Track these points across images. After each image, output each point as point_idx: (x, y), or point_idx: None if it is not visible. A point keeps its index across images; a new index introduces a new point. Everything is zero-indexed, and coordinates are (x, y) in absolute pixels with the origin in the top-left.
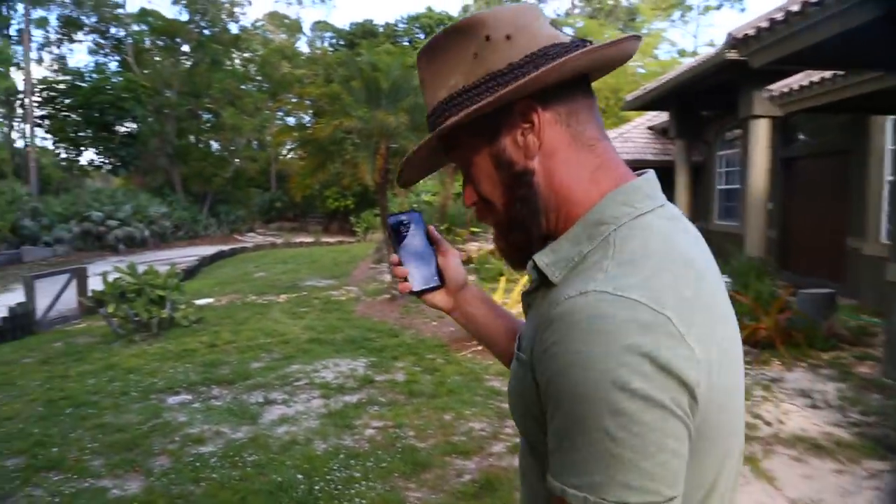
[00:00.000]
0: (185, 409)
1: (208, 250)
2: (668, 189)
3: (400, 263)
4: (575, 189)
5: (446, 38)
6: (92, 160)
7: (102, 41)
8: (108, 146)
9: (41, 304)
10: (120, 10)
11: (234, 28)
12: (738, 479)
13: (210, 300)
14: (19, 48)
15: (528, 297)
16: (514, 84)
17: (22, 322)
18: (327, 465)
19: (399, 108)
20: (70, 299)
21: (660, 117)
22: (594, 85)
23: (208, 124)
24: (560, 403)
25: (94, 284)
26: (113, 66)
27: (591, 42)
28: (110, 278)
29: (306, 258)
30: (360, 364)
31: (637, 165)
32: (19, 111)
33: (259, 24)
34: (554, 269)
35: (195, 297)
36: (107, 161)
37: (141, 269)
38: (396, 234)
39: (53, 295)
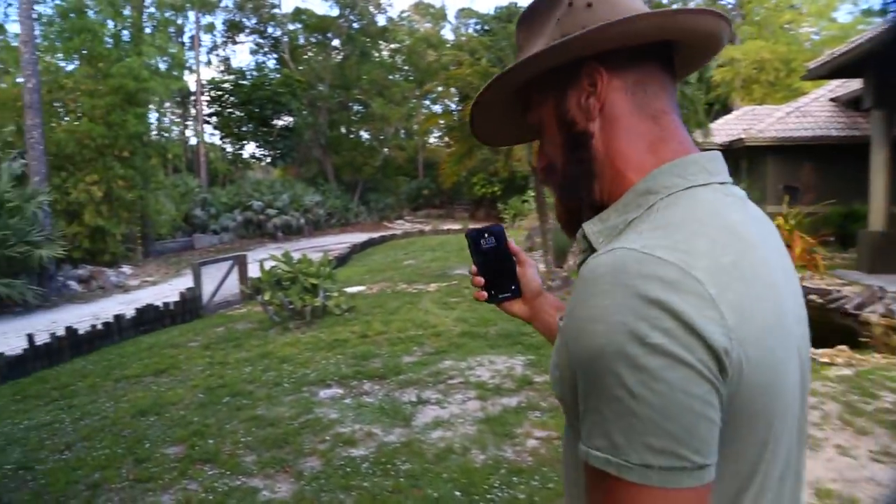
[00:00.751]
0: (336, 405)
1: (359, 237)
2: (863, 170)
3: (479, 274)
4: (631, 157)
5: (538, 5)
6: (253, 153)
7: (261, 41)
8: (267, 139)
9: (207, 289)
10: (276, 11)
11: (381, 20)
12: (797, 482)
13: (361, 288)
14: (191, 53)
15: (580, 268)
16: (562, 40)
17: (190, 306)
18: (487, 480)
19: None
20: (232, 285)
21: (845, 87)
22: (763, 57)
23: (358, 115)
24: (581, 361)
25: (254, 271)
26: (271, 63)
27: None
28: (267, 266)
29: (454, 245)
30: (517, 362)
31: (818, 143)
32: (192, 111)
33: (405, 14)
34: (600, 237)
35: (346, 284)
36: (266, 153)
37: (296, 256)
38: (476, 246)
39: (218, 280)
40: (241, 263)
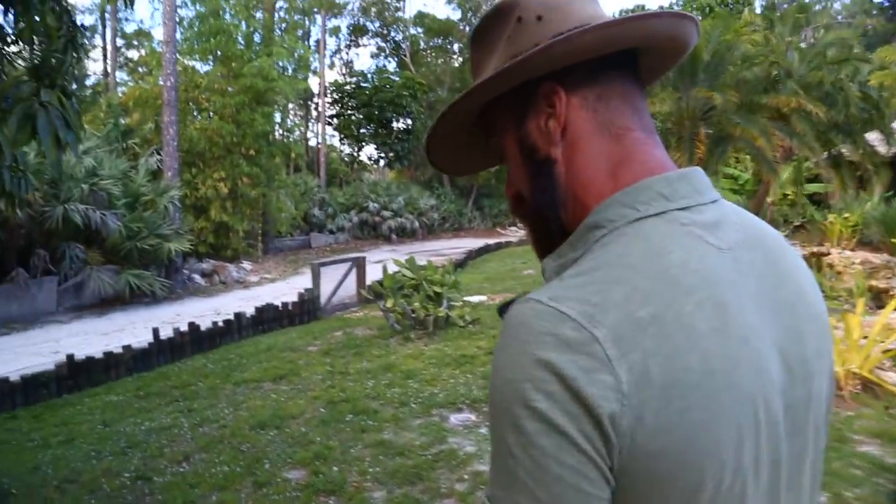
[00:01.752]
0: (471, 435)
1: (472, 243)
2: None
3: None
4: (592, 184)
5: (488, 21)
6: (371, 155)
7: (383, 44)
8: (386, 141)
9: (325, 290)
10: (399, 13)
11: None
12: None
13: (482, 298)
14: (316, 56)
15: None
16: (512, 61)
17: (308, 307)
18: None
19: (721, 84)
20: (349, 287)
21: None
22: None
23: None
24: (490, 415)
25: (372, 274)
26: (391, 67)
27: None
28: (390, 271)
29: None
30: None
31: None
32: (314, 112)
33: None
34: (552, 275)
35: (466, 293)
36: (383, 155)
37: (414, 260)
38: None
39: (335, 281)
40: (360, 265)
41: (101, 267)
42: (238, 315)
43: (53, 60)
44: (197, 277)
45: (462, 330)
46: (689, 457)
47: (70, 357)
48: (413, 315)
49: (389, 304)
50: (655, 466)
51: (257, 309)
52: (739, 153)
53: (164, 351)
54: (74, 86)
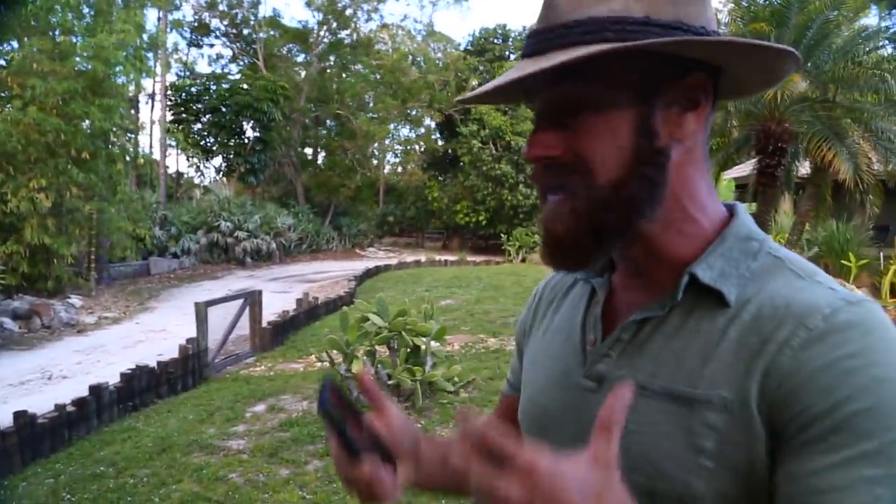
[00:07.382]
0: None
1: (333, 266)
2: None
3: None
4: (698, 197)
5: None
6: (219, 166)
7: (230, 45)
8: (239, 152)
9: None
10: (254, 12)
11: (366, 29)
12: None
13: (434, 344)
14: (150, 54)
15: (644, 322)
16: (710, 39)
17: (194, 364)
18: None
19: None
20: (238, 330)
21: None
22: None
23: (334, 132)
24: (876, 425)
25: (269, 309)
26: (236, 70)
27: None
28: (351, 317)
29: (478, 281)
30: None
31: None
32: (148, 117)
33: (393, 26)
34: (726, 284)
35: None
36: (232, 168)
37: (271, 287)
38: (336, 423)
39: (222, 327)
40: (255, 303)
41: None
42: (96, 390)
43: None
44: (7, 322)
45: (453, 398)
46: None
47: None
48: (390, 381)
49: (356, 368)
50: None
51: (124, 376)
52: None
53: None
54: None
